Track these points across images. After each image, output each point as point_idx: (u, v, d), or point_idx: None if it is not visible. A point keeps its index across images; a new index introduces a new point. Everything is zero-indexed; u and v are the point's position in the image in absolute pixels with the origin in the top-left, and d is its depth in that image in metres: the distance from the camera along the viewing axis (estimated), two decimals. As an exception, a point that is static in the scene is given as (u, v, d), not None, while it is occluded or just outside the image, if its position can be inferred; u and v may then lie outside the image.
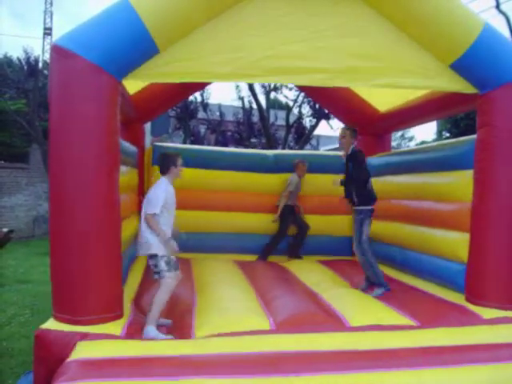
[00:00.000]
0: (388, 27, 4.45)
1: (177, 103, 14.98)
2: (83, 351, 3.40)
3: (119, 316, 4.02)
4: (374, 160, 7.44)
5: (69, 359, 3.28)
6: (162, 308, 4.15)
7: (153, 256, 4.20)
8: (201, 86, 10.05)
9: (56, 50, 3.77)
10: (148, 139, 10.76)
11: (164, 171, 4.41)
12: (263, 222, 7.68)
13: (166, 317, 4.41)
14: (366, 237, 5.52)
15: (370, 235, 7.04)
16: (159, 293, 4.15)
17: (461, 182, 5.04)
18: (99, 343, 3.55)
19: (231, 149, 9.10)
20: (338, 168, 7.45)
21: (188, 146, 10.61)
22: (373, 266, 5.47)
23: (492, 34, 4.39)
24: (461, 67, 4.51)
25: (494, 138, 4.49)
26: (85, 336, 3.61)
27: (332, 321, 4.29)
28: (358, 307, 4.62)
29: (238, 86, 21.47)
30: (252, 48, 4.22)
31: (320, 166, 7.90)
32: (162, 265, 4.18)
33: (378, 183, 7.01)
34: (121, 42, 3.83)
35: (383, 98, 6.88)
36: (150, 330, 3.99)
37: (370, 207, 5.52)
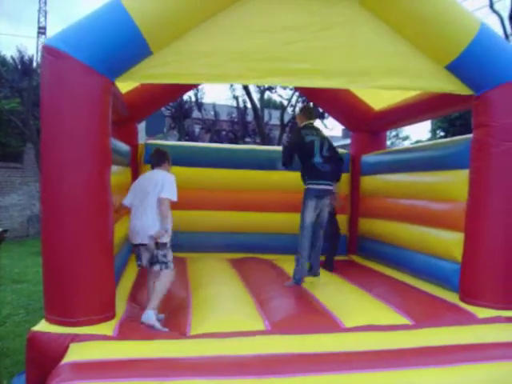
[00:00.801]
0: (383, 28, 4.44)
1: (170, 102, 14.98)
2: (77, 353, 3.39)
3: (111, 317, 4.02)
4: (369, 158, 7.47)
5: (62, 362, 3.27)
6: (163, 296, 4.25)
7: (163, 245, 4.29)
8: (194, 85, 10.03)
9: (47, 50, 3.74)
10: (143, 139, 10.76)
11: (159, 164, 4.65)
12: (260, 221, 7.70)
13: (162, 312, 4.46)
14: (302, 223, 5.14)
15: (366, 233, 7.08)
16: (162, 282, 4.25)
17: (456, 182, 5.05)
18: (92, 345, 3.54)
19: (225, 145, 9.05)
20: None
21: (181, 142, 10.52)
22: (299, 257, 5.20)
23: (488, 34, 4.37)
24: (456, 68, 4.50)
25: (491, 138, 4.48)
26: (77, 337, 3.60)
27: (327, 321, 4.28)
28: (354, 307, 4.61)
29: (232, 86, 21.49)
30: (247, 49, 4.21)
31: None
32: (171, 255, 4.36)
33: (373, 181, 7.06)
34: (112, 43, 3.80)
35: (378, 97, 6.91)
36: (151, 314, 4.05)
37: (306, 186, 5.13)
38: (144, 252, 4.39)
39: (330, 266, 6.59)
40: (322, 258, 6.79)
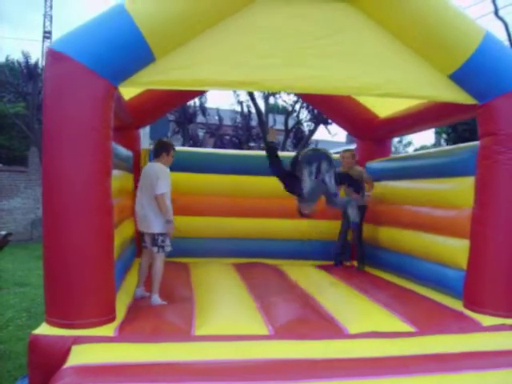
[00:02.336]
0: (387, 37, 4.45)
1: (173, 109, 14.98)
2: (79, 356, 3.39)
3: (112, 319, 4.03)
4: (374, 165, 7.46)
5: (65, 365, 3.28)
6: (161, 277, 4.88)
7: (163, 234, 4.89)
8: (199, 92, 10.03)
9: (51, 53, 3.78)
10: (147, 143, 10.75)
11: (157, 155, 5.04)
12: (265, 226, 7.70)
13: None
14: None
15: (370, 240, 7.10)
16: (157, 265, 4.89)
17: (461, 189, 5.03)
18: (95, 347, 3.54)
19: (230, 151, 9.05)
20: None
21: (187, 148, 10.50)
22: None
23: (492, 42, 4.37)
24: (460, 77, 4.49)
25: (498, 146, 4.47)
26: (78, 339, 3.60)
27: (331, 327, 4.27)
28: (357, 313, 4.60)
29: (235, 91, 21.54)
30: (251, 56, 4.22)
31: None
32: (167, 241, 4.93)
33: (377, 188, 7.05)
34: (116, 48, 3.82)
35: (383, 104, 6.91)
36: (156, 298, 4.78)
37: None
38: (147, 236, 5.02)
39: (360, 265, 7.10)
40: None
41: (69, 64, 3.72)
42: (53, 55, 3.77)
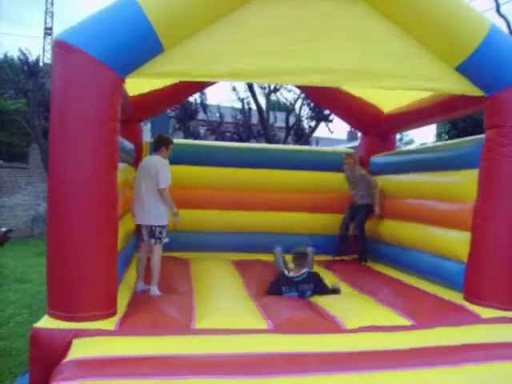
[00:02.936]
0: (393, 29, 4.44)
1: (175, 104, 14.98)
2: (79, 350, 3.38)
3: (113, 313, 4.02)
4: (378, 159, 7.46)
5: (65, 359, 3.26)
6: (159, 268, 5.04)
7: (162, 225, 5.03)
8: (200, 88, 10.02)
9: (58, 44, 3.73)
10: (148, 139, 10.70)
11: (157, 149, 5.19)
12: (266, 220, 7.69)
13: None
14: None
15: (371, 233, 7.13)
16: (155, 257, 5.04)
17: (464, 182, 5.04)
18: (95, 341, 3.53)
19: (231, 144, 9.01)
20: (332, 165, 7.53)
21: (187, 141, 10.49)
22: None
23: (498, 34, 4.37)
24: (467, 69, 4.49)
25: (503, 138, 4.47)
26: (79, 333, 3.60)
27: (329, 321, 4.25)
28: (356, 308, 4.61)
29: (235, 89, 21.50)
30: (257, 49, 4.21)
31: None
32: (164, 233, 5.06)
33: (382, 182, 7.05)
34: (125, 39, 3.80)
35: (387, 99, 6.91)
36: (154, 289, 4.97)
37: None
38: (145, 229, 5.13)
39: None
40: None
41: (76, 55, 3.69)
42: (60, 46, 3.73)
